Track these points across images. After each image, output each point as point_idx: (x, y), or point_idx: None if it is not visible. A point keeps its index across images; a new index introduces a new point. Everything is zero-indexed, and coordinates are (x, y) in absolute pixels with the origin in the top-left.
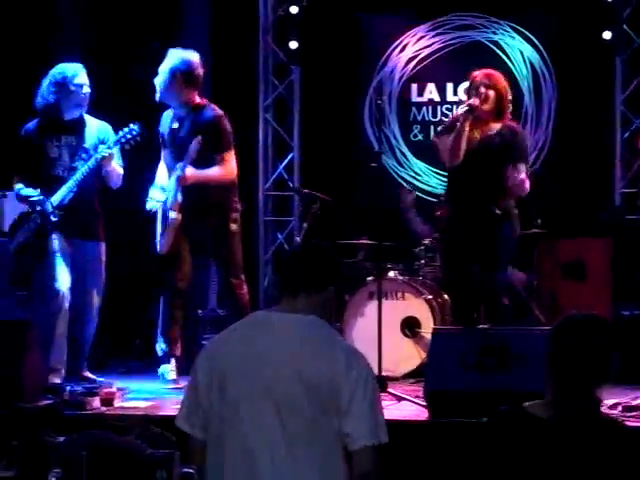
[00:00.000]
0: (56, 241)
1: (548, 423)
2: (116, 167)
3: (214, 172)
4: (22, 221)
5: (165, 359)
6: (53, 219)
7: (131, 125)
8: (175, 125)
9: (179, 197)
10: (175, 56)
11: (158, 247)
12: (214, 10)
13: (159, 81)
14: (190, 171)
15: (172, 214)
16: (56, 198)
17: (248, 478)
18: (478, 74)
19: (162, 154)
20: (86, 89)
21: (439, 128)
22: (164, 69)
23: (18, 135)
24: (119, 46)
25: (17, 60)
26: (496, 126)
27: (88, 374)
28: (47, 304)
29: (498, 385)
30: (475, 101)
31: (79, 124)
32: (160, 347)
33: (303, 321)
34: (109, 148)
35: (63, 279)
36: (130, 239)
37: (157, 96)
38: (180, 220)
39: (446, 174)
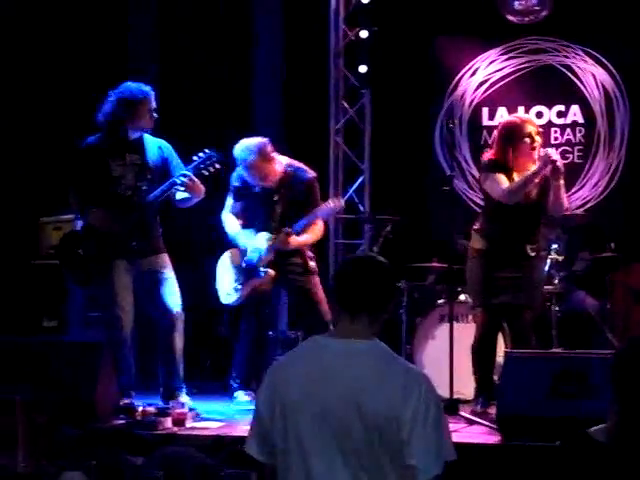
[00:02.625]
0: (119, 264)
1: (609, 448)
2: (198, 188)
3: (311, 240)
4: (75, 240)
5: (239, 389)
6: (133, 245)
7: (206, 151)
8: (267, 185)
9: (270, 256)
10: (243, 148)
11: (232, 299)
12: (286, 35)
13: (241, 169)
14: (292, 238)
15: (268, 272)
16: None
17: None
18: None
19: (232, 203)
20: (155, 114)
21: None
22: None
23: (78, 148)
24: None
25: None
26: None
27: (182, 398)
28: (110, 327)
29: (574, 411)
30: (561, 164)
31: (141, 143)
32: (234, 383)
33: (363, 351)
34: (189, 172)
35: (123, 303)
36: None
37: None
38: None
39: None
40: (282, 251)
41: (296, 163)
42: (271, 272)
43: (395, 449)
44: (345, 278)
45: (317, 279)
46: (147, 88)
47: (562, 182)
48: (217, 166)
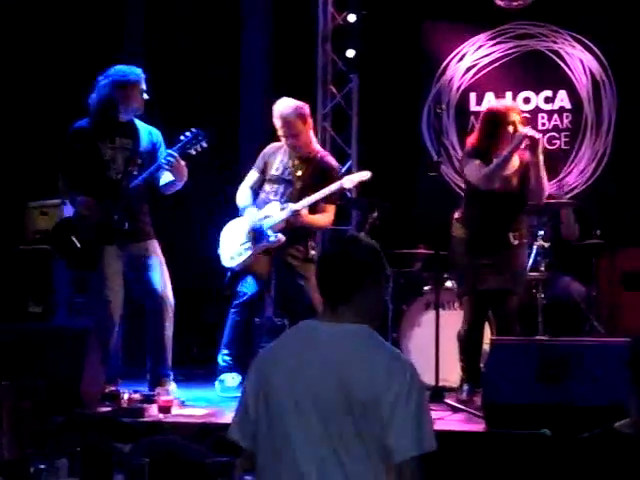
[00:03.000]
0: (110, 249)
1: (636, 440)
2: (183, 170)
3: (321, 222)
4: (69, 227)
5: (226, 369)
6: (125, 228)
7: (193, 130)
8: (295, 162)
9: (281, 224)
10: (283, 102)
11: (237, 262)
12: (274, 18)
13: (283, 124)
14: (305, 213)
15: (278, 236)
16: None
17: None
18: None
19: (255, 178)
20: (146, 95)
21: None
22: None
23: (67, 134)
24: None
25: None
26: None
27: (169, 386)
28: (99, 312)
29: (559, 398)
30: (538, 135)
31: (132, 127)
32: (223, 359)
33: (348, 333)
34: (174, 152)
35: (114, 288)
36: (184, 245)
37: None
38: (281, 242)
39: None
40: (292, 226)
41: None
42: (282, 237)
43: (377, 431)
44: (327, 271)
45: (314, 267)
46: (138, 70)
47: (541, 160)
48: (204, 144)
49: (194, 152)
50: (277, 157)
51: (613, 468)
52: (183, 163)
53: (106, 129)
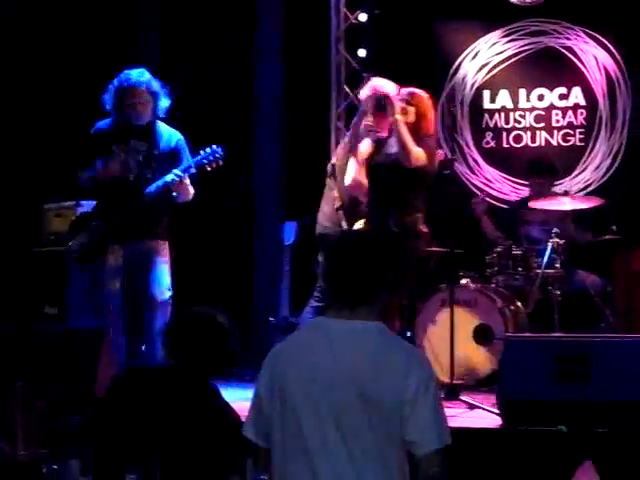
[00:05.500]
0: (114, 248)
1: None
2: (186, 190)
3: None
4: (83, 223)
5: None
6: (126, 226)
7: (214, 147)
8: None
9: None
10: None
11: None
12: (287, 18)
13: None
14: None
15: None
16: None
17: None
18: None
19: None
20: (165, 101)
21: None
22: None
23: (88, 132)
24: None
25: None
26: None
27: None
28: (100, 312)
29: (576, 395)
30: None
31: (150, 130)
32: None
33: (362, 332)
34: (182, 172)
35: (113, 288)
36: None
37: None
38: None
39: (518, 180)
40: None
41: None
42: None
43: (393, 428)
44: (338, 274)
45: None
46: (144, 75)
47: (399, 120)
48: (220, 162)
49: (209, 169)
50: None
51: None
52: (187, 183)
53: (121, 132)
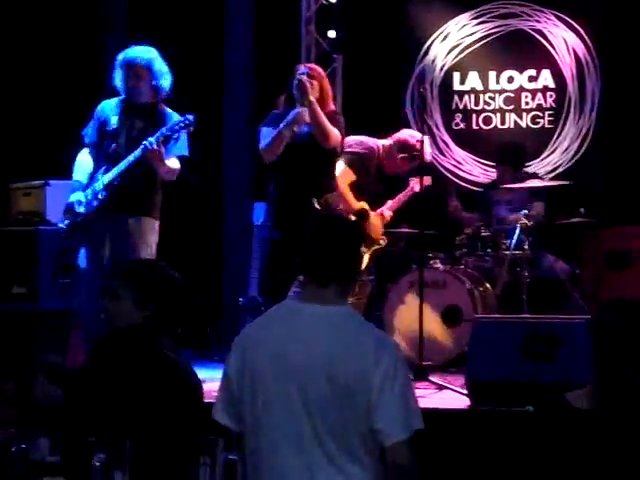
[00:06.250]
0: (99, 220)
1: (589, 414)
2: (165, 164)
3: None
4: (71, 205)
5: None
6: (100, 197)
7: (185, 115)
8: None
9: None
10: None
11: None
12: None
13: None
14: None
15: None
16: (106, 177)
17: (279, 476)
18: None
19: None
20: (166, 80)
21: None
22: None
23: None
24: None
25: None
26: None
27: None
28: (81, 287)
29: (543, 375)
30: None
31: (151, 109)
32: None
33: (333, 316)
34: (154, 141)
35: (96, 258)
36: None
37: None
38: None
39: (488, 162)
40: None
41: None
42: None
43: (361, 414)
44: (314, 247)
45: None
46: (145, 52)
47: (312, 101)
48: (191, 128)
49: (177, 137)
50: None
51: (564, 441)
52: (161, 153)
53: (125, 108)
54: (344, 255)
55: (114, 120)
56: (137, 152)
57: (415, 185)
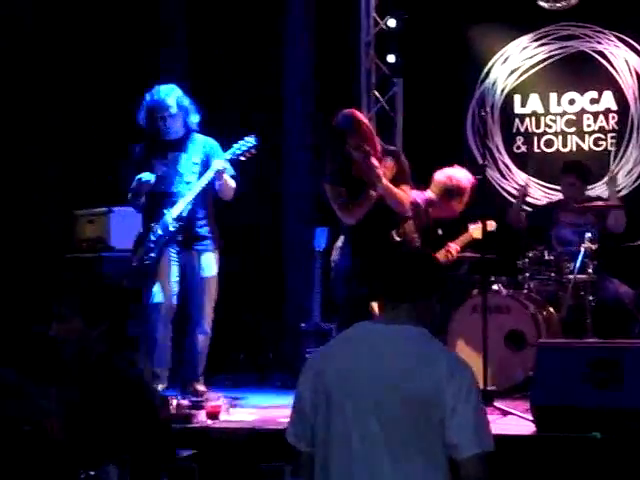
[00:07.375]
0: (171, 253)
1: None
2: (228, 180)
3: None
4: (142, 237)
5: None
6: (171, 229)
7: (247, 138)
8: None
9: None
10: None
11: None
12: (316, 24)
13: None
14: None
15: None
16: (175, 210)
17: None
18: None
19: None
20: (195, 117)
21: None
22: None
23: (128, 154)
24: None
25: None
26: None
27: (199, 387)
28: (149, 313)
29: (609, 401)
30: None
31: (185, 139)
32: None
33: (408, 335)
34: (228, 165)
35: (166, 290)
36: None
37: None
38: None
39: (549, 186)
40: None
41: None
42: None
43: (436, 432)
44: (389, 268)
45: None
46: (171, 92)
47: (384, 184)
48: (253, 151)
49: (244, 158)
50: None
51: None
52: (226, 178)
53: (158, 147)
54: (416, 275)
55: (157, 163)
56: (209, 174)
57: (474, 231)
